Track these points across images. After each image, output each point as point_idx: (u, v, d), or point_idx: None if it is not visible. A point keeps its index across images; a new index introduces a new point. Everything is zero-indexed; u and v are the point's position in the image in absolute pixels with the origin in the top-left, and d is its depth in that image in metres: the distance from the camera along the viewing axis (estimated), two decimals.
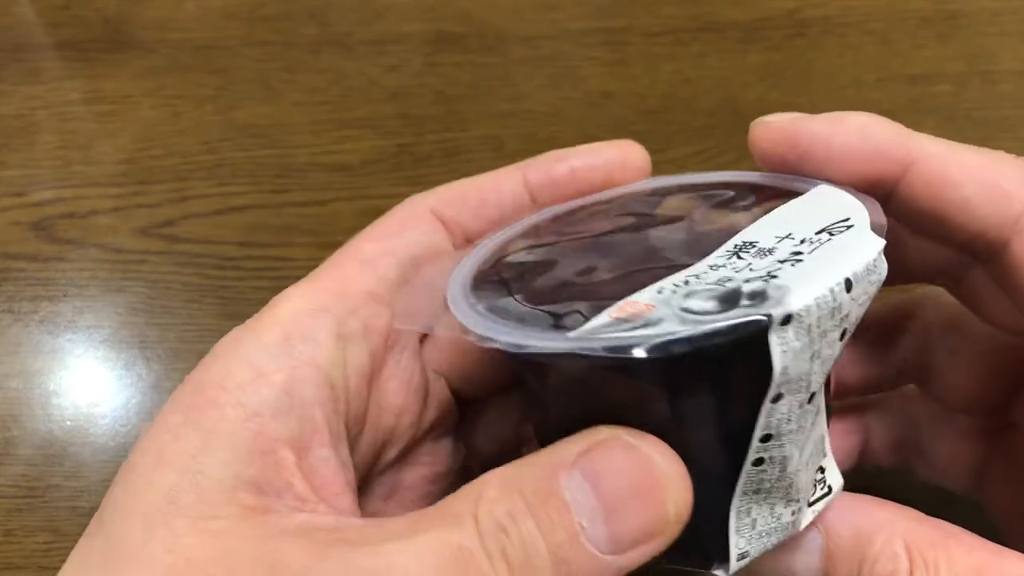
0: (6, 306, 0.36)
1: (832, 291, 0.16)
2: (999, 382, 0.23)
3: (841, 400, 0.26)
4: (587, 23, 0.45)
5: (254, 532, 0.17)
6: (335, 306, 0.20)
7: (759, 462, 0.17)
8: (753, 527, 0.19)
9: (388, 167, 0.40)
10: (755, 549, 0.19)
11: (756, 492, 0.18)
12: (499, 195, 0.24)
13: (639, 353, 0.16)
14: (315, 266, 0.38)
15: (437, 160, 0.40)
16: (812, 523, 0.19)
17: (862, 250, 0.17)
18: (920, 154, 0.20)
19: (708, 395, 0.17)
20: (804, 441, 0.18)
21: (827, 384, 0.19)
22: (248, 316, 0.30)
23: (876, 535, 0.18)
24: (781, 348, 0.16)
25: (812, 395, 0.17)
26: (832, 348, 0.17)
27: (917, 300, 0.25)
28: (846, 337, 0.17)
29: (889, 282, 0.18)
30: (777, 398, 0.17)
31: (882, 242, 0.17)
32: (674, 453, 0.17)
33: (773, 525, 0.19)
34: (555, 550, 0.16)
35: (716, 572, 0.19)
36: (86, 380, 0.35)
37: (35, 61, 0.44)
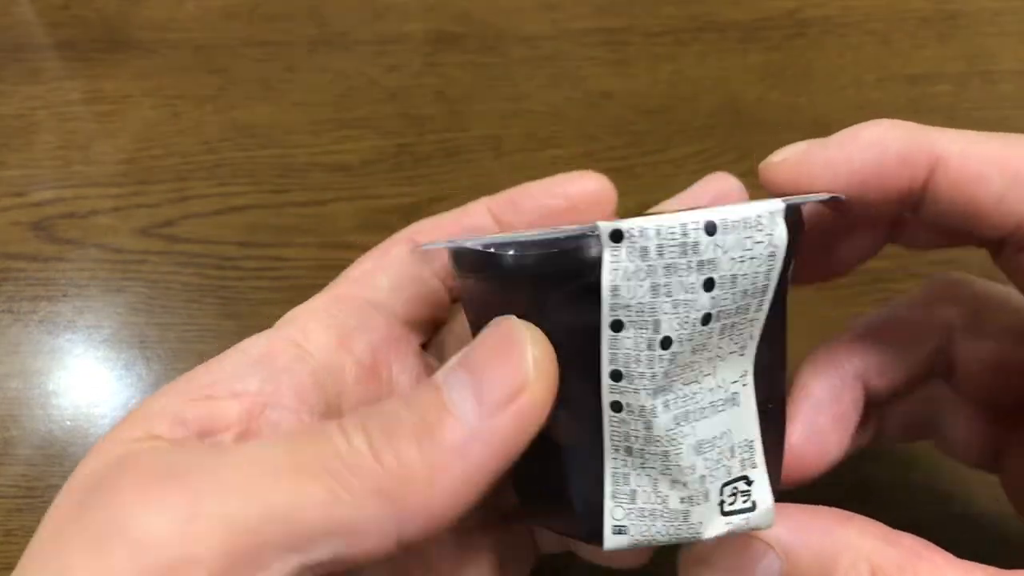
0: (6, 306, 0.36)
1: (683, 225, 0.16)
2: (1021, 379, 0.23)
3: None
4: (587, 23, 0.45)
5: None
6: (330, 308, 0.21)
7: (617, 407, 0.17)
8: (633, 500, 0.18)
9: (388, 167, 0.40)
10: (637, 530, 0.18)
11: (628, 453, 0.18)
12: (470, 224, 0.24)
13: (472, 244, 0.17)
14: (315, 266, 0.38)
15: (437, 160, 0.40)
16: (767, 545, 0.18)
17: (744, 207, 0.17)
18: (944, 154, 0.19)
19: (557, 312, 0.17)
20: (682, 406, 0.17)
21: (773, 396, 0.18)
22: (248, 316, 0.30)
23: (840, 558, 0.18)
24: (612, 266, 0.16)
25: (667, 340, 0.17)
26: (692, 293, 0.17)
27: (938, 294, 0.24)
28: (717, 289, 0.17)
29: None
30: (617, 326, 0.17)
31: (773, 207, 0.17)
32: (546, 340, 0.17)
33: (658, 507, 0.18)
34: (420, 421, 0.17)
35: (592, 544, 0.18)
36: (86, 380, 0.35)
37: (35, 61, 0.44)
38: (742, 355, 0.18)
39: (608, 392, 0.17)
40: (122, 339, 0.35)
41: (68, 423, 0.34)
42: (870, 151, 0.20)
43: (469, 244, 0.18)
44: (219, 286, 0.36)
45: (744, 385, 0.18)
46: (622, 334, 0.17)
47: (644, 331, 0.17)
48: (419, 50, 0.44)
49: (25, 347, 0.35)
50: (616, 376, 0.17)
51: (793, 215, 0.18)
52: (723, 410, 0.18)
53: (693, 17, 0.45)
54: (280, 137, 0.41)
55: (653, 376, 0.17)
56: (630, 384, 0.17)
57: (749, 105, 0.41)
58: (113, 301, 0.36)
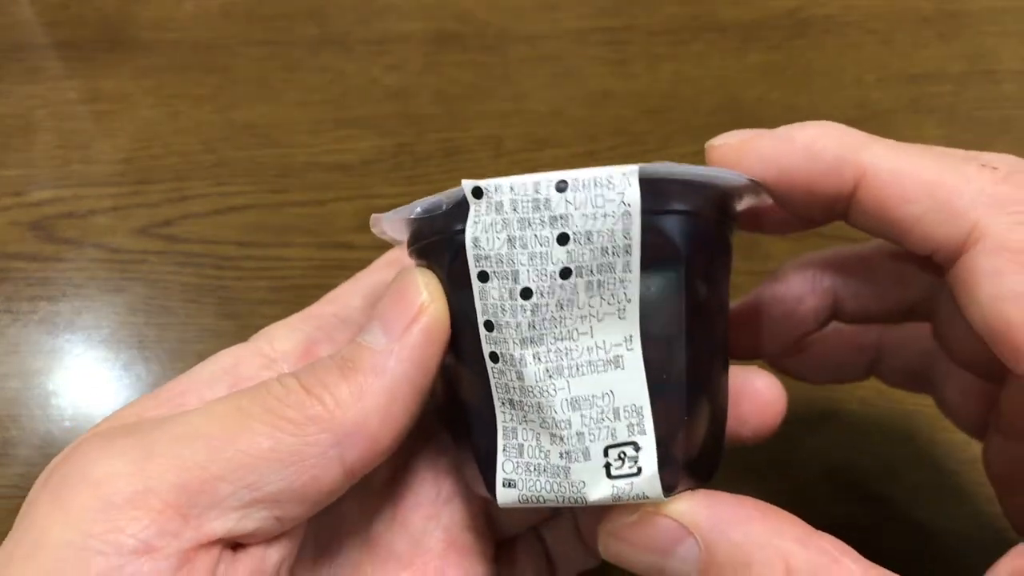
0: (5, 306, 0.36)
1: (536, 183, 0.18)
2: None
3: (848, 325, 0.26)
4: (588, 22, 0.45)
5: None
6: (298, 323, 0.23)
7: (495, 357, 0.19)
8: (520, 454, 0.19)
9: (388, 167, 0.40)
10: (524, 484, 0.19)
11: (512, 405, 0.19)
12: None
13: (394, 214, 0.20)
14: (314, 266, 0.38)
15: (437, 160, 0.40)
16: (688, 532, 0.19)
17: (599, 169, 0.18)
18: (870, 168, 0.19)
19: (451, 269, 0.19)
20: (554, 360, 0.18)
21: (672, 370, 0.19)
22: (247, 316, 0.30)
23: (756, 554, 0.18)
24: (474, 219, 0.18)
25: (527, 291, 0.18)
26: (545, 246, 0.18)
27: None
28: (572, 244, 0.18)
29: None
30: (483, 277, 0.18)
31: (628, 169, 0.18)
32: (432, 273, 0.20)
33: (541, 462, 0.19)
34: (341, 359, 0.19)
35: (491, 498, 0.20)
36: (85, 380, 0.35)
37: (34, 60, 0.44)
38: (622, 318, 0.18)
39: (485, 342, 0.19)
40: (121, 339, 0.35)
41: (67, 423, 0.33)
42: (801, 153, 0.20)
43: (391, 214, 0.20)
44: (218, 286, 0.36)
45: (630, 350, 0.19)
46: (488, 285, 0.18)
47: (505, 281, 0.18)
48: (419, 50, 0.44)
49: (24, 347, 0.35)
50: (489, 326, 0.19)
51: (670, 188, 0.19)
52: (604, 371, 0.19)
53: (693, 17, 0.45)
54: (279, 137, 0.41)
55: (518, 326, 0.18)
56: (500, 334, 0.19)
57: (749, 105, 0.41)
58: (112, 301, 0.36)
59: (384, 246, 0.24)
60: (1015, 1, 0.44)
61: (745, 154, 0.20)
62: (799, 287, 0.24)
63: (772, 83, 0.42)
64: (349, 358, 0.19)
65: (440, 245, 0.20)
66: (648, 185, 0.18)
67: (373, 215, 0.21)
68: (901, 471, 0.31)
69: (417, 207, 0.20)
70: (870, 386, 0.29)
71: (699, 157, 0.21)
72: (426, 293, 0.19)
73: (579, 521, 0.25)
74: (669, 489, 0.19)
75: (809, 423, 0.32)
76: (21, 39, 0.45)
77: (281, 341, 0.22)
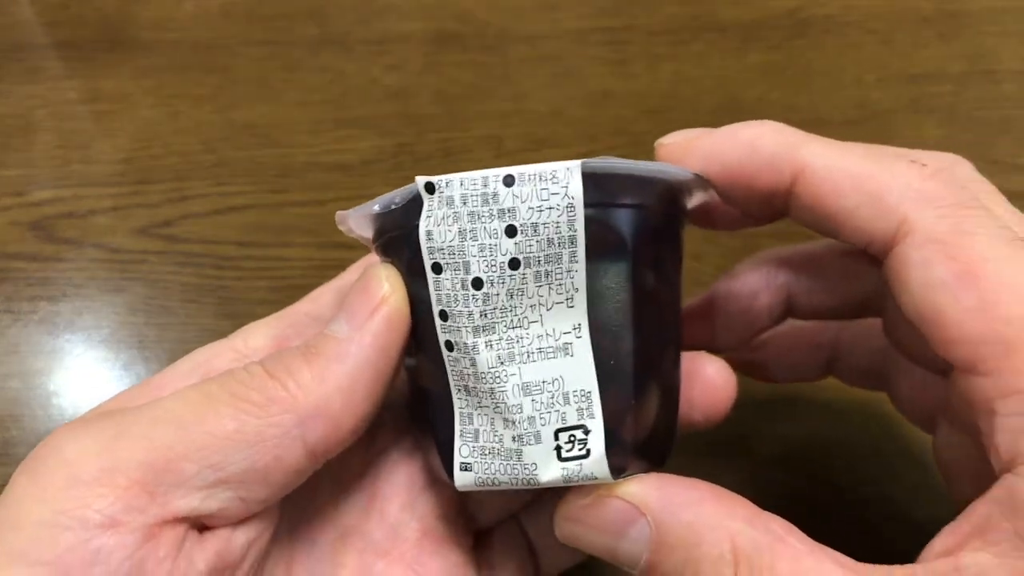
0: (5, 306, 0.36)
1: (485, 178, 0.19)
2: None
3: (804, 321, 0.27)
4: (588, 22, 0.45)
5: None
6: (272, 320, 0.24)
7: (449, 346, 0.20)
8: (476, 438, 0.20)
9: (388, 167, 0.40)
10: (480, 467, 0.20)
11: (467, 392, 0.20)
12: None
13: (357, 211, 0.21)
14: (314, 266, 0.38)
15: (437, 160, 0.40)
16: (639, 512, 0.19)
17: (545, 164, 0.19)
18: (806, 165, 0.20)
19: (409, 263, 0.20)
20: (506, 347, 0.19)
21: (618, 355, 0.19)
22: (247, 316, 0.30)
23: (705, 535, 0.19)
24: (427, 213, 0.19)
25: (478, 281, 0.19)
26: (495, 238, 0.19)
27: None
28: (520, 236, 0.19)
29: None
30: (437, 268, 0.19)
31: (571, 164, 0.18)
32: (393, 267, 0.21)
33: (495, 446, 0.20)
34: (305, 346, 0.20)
35: (449, 481, 0.21)
36: (85, 380, 0.35)
37: (34, 60, 0.44)
38: (571, 307, 0.19)
39: (440, 331, 0.20)
40: (121, 339, 0.35)
41: None
42: (742, 150, 0.21)
43: (354, 211, 0.21)
44: (218, 286, 0.36)
45: (579, 338, 0.19)
46: (442, 276, 0.19)
47: (458, 272, 0.19)
48: (419, 50, 0.44)
49: (24, 347, 0.35)
50: (443, 316, 0.19)
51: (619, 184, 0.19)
52: (553, 357, 0.19)
53: (693, 17, 0.45)
54: (280, 137, 0.41)
55: (470, 315, 0.19)
56: (454, 323, 0.19)
57: (749, 105, 0.41)
58: (112, 301, 0.36)
59: None
60: (1015, 1, 0.44)
61: (690, 151, 0.22)
62: (754, 283, 0.25)
63: (772, 83, 0.42)
64: (313, 345, 0.20)
65: (400, 240, 0.20)
66: (593, 179, 0.19)
67: (338, 212, 0.22)
68: (902, 471, 0.31)
69: (375, 204, 0.20)
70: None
71: None
72: (387, 285, 0.20)
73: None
74: (618, 471, 0.19)
75: (806, 420, 0.32)
76: (21, 39, 0.45)
77: (254, 337, 0.23)
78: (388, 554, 0.23)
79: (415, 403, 0.22)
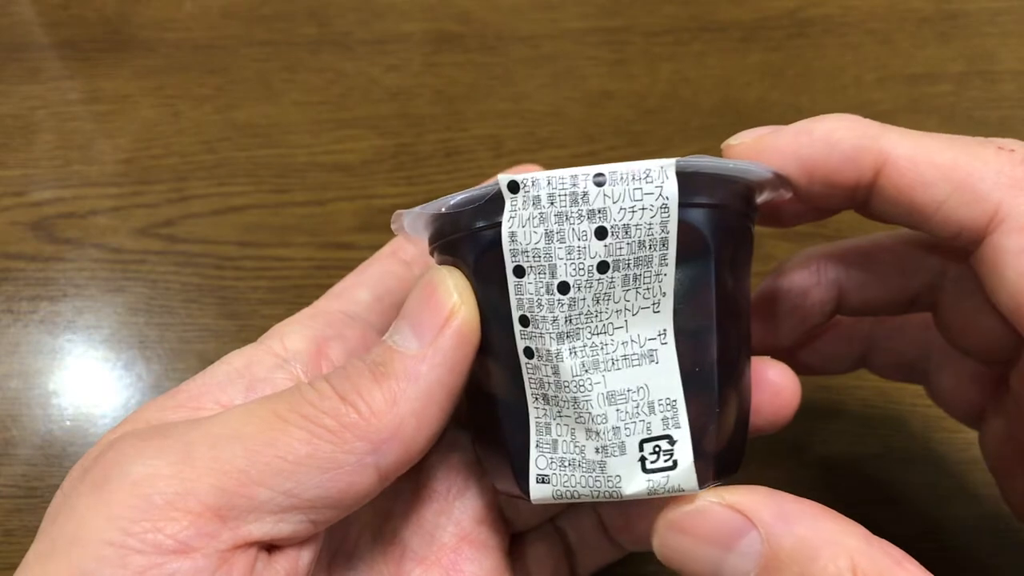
0: (5, 306, 0.36)
1: (574, 177, 0.18)
2: (1006, 333, 0.23)
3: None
4: (587, 23, 0.45)
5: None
6: (307, 320, 0.23)
7: (529, 353, 0.19)
8: (554, 449, 0.19)
9: (388, 167, 0.40)
10: (559, 479, 0.19)
11: (546, 401, 0.19)
12: None
13: (422, 209, 0.20)
14: (314, 266, 0.38)
15: (437, 160, 0.40)
16: (751, 524, 0.18)
17: (637, 163, 0.18)
18: (890, 156, 0.20)
19: (480, 264, 0.19)
20: (590, 354, 0.18)
21: (703, 361, 0.19)
22: (247, 316, 0.30)
23: (822, 550, 0.17)
24: (510, 213, 0.18)
25: (564, 285, 0.18)
26: (584, 240, 0.18)
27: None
28: (610, 237, 0.18)
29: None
30: (519, 272, 0.18)
31: (665, 162, 0.18)
32: (460, 273, 0.20)
33: (576, 456, 0.19)
34: (373, 364, 0.19)
35: (523, 495, 0.20)
36: (86, 380, 0.35)
37: (34, 60, 0.44)
38: (657, 312, 0.19)
39: (520, 338, 0.19)
40: (121, 339, 0.35)
41: (68, 423, 0.34)
42: (819, 144, 0.20)
43: (419, 209, 0.20)
44: (218, 286, 0.36)
45: (664, 344, 0.19)
46: (524, 279, 0.18)
47: (543, 276, 0.18)
48: (419, 50, 0.44)
49: (25, 347, 0.35)
50: (524, 321, 0.19)
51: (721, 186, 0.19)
52: (638, 365, 0.19)
53: (693, 17, 0.45)
54: (280, 137, 0.41)
55: (555, 320, 0.18)
56: (536, 329, 0.18)
57: (749, 105, 0.41)
58: (112, 301, 0.36)
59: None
60: (1015, 1, 0.44)
61: (763, 150, 0.21)
62: (803, 280, 0.25)
63: (772, 83, 0.42)
64: (381, 363, 0.19)
65: (466, 241, 0.19)
66: (681, 178, 0.18)
67: (396, 211, 0.21)
68: (907, 471, 0.31)
69: (448, 202, 0.19)
70: (871, 386, 0.29)
71: None
72: (456, 295, 0.19)
73: (603, 515, 0.25)
74: (703, 482, 0.19)
75: (812, 420, 0.32)
76: (21, 39, 0.45)
77: (292, 340, 0.22)
78: (425, 560, 0.23)
79: (477, 413, 0.22)
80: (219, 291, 0.36)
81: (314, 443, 0.18)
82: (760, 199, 0.21)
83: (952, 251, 0.21)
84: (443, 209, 0.19)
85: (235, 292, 0.36)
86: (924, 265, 0.24)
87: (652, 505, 0.23)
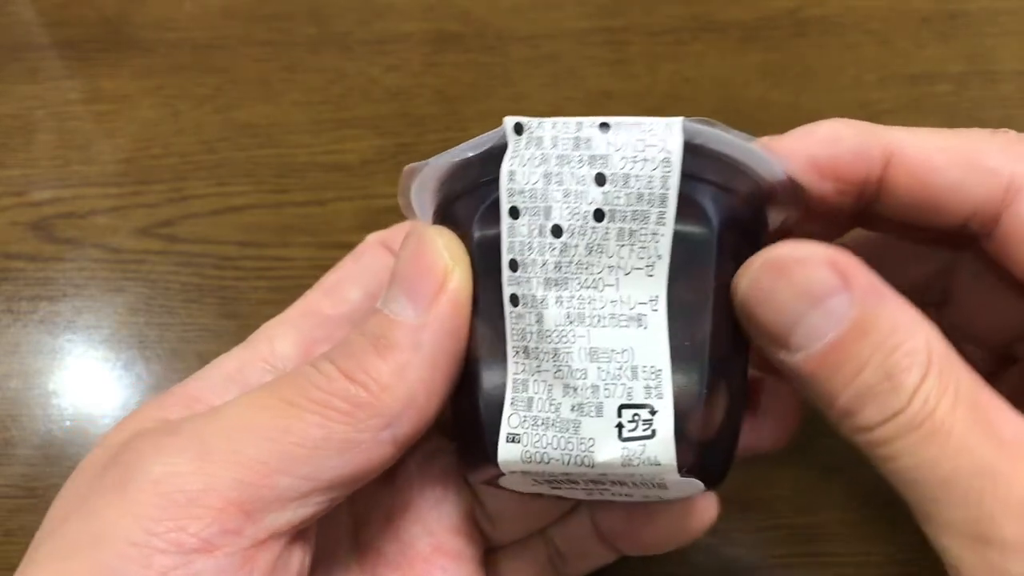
0: (5, 306, 0.36)
1: (579, 123, 0.18)
2: (1019, 315, 0.23)
3: None
4: (587, 22, 0.45)
5: None
6: (297, 322, 0.23)
7: (515, 300, 0.18)
8: (529, 407, 0.18)
9: (388, 167, 0.40)
10: (529, 439, 0.18)
11: (526, 354, 0.18)
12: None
13: (436, 160, 0.20)
14: (314, 266, 0.38)
15: None
16: (846, 284, 0.17)
17: (644, 117, 0.18)
18: (898, 147, 0.20)
19: (483, 219, 0.19)
20: (577, 306, 0.18)
21: (695, 339, 0.18)
22: (247, 316, 0.31)
23: (904, 325, 0.17)
24: (512, 153, 0.18)
25: (557, 228, 0.18)
26: (582, 185, 0.18)
27: None
28: (609, 185, 0.18)
29: None
30: (514, 212, 0.18)
31: (671, 120, 0.18)
32: (451, 232, 0.20)
33: (550, 415, 0.18)
34: (373, 337, 0.19)
35: (492, 470, 0.19)
36: (85, 380, 0.35)
37: (33, 60, 0.44)
38: (650, 276, 0.18)
39: (508, 284, 0.18)
40: (121, 339, 0.35)
41: (68, 423, 0.33)
42: (825, 144, 0.20)
43: (433, 160, 0.20)
44: (218, 286, 0.36)
45: (654, 311, 0.18)
46: (518, 221, 0.18)
47: (536, 217, 0.18)
48: (419, 50, 0.44)
49: (25, 347, 0.35)
50: (513, 266, 0.18)
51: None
52: (626, 327, 0.18)
53: (694, 17, 0.45)
54: (280, 137, 0.41)
55: (544, 265, 0.18)
56: (524, 273, 0.18)
57: (750, 105, 0.41)
58: (112, 301, 0.36)
59: None
60: (1015, 1, 0.44)
61: (771, 152, 0.20)
62: None
63: (772, 83, 0.42)
64: (382, 335, 0.19)
65: (472, 198, 0.19)
66: (690, 149, 0.18)
67: (408, 166, 0.20)
68: None
69: (463, 148, 0.19)
70: None
71: None
72: (447, 255, 0.19)
73: (600, 522, 0.25)
74: (682, 467, 0.18)
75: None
76: (21, 39, 0.45)
77: (281, 342, 0.23)
78: (399, 568, 0.23)
79: (460, 390, 0.21)
80: (219, 291, 0.36)
81: (328, 426, 0.18)
82: (771, 215, 0.21)
83: (959, 241, 0.21)
84: (469, 153, 0.19)
85: (235, 292, 0.36)
86: (932, 255, 0.24)
87: (655, 510, 0.23)
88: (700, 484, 0.19)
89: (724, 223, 0.19)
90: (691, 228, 0.18)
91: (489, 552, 0.25)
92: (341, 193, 0.39)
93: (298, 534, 0.20)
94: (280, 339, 0.23)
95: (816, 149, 0.20)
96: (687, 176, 0.18)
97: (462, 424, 0.21)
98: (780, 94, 0.41)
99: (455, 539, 0.23)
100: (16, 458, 0.33)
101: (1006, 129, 0.20)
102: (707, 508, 0.23)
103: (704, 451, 0.19)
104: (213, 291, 0.36)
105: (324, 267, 0.37)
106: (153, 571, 0.17)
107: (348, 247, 0.37)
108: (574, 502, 0.25)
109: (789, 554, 0.30)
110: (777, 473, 0.31)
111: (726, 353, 0.19)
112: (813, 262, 0.18)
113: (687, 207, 0.18)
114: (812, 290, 0.18)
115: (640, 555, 0.25)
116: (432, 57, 0.44)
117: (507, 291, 0.19)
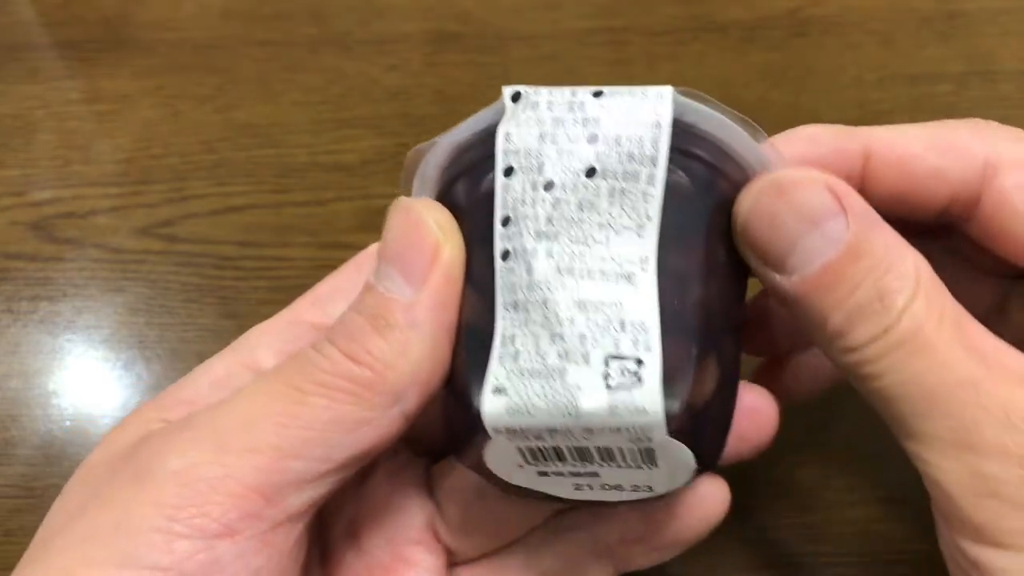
0: (5, 306, 0.36)
1: (575, 92, 0.19)
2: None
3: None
4: (587, 22, 0.45)
5: None
6: (282, 331, 0.23)
7: (505, 255, 0.19)
8: (516, 359, 0.18)
9: (388, 167, 0.40)
10: (515, 390, 0.18)
11: (515, 308, 0.19)
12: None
13: (447, 138, 0.21)
14: (314, 266, 0.38)
15: None
16: (843, 209, 0.18)
17: (635, 87, 0.19)
18: (876, 142, 0.21)
19: (479, 188, 0.20)
20: (567, 260, 0.18)
21: (683, 303, 0.18)
22: (247, 316, 0.30)
23: (896, 250, 0.18)
24: (510, 115, 0.19)
25: (550, 183, 0.19)
26: (575, 143, 0.19)
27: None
28: (601, 144, 0.19)
29: None
30: (509, 171, 0.19)
31: (663, 88, 0.19)
32: (439, 205, 0.20)
33: (536, 365, 0.18)
34: (371, 317, 0.19)
35: (478, 432, 0.18)
36: (85, 380, 0.35)
37: (34, 60, 0.44)
38: (640, 236, 0.18)
39: (499, 240, 0.19)
40: (121, 339, 0.35)
41: (68, 423, 0.34)
42: (806, 143, 0.22)
43: (439, 138, 0.21)
44: (218, 286, 0.36)
45: (644, 271, 0.18)
46: (512, 179, 0.19)
47: (530, 174, 0.19)
48: (419, 50, 0.44)
49: (25, 347, 0.35)
50: (505, 221, 0.19)
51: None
52: (615, 283, 0.18)
53: (694, 17, 0.45)
54: (280, 137, 0.41)
55: (536, 218, 0.19)
56: (516, 227, 0.19)
57: (750, 105, 0.41)
58: (112, 301, 0.36)
59: None
60: (1015, 1, 0.44)
61: (757, 135, 0.21)
62: None
63: (772, 83, 0.42)
64: (379, 314, 0.19)
65: (471, 175, 0.20)
66: (682, 126, 0.19)
67: (415, 148, 0.21)
68: (907, 471, 0.31)
69: (465, 126, 0.21)
70: None
71: None
72: (437, 229, 0.20)
73: (601, 533, 0.24)
74: (670, 421, 0.17)
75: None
76: (21, 39, 0.45)
77: (264, 353, 0.23)
78: None
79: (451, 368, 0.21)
80: (219, 291, 0.36)
81: (335, 408, 0.19)
82: None
83: (941, 233, 0.22)
84: (470, 133, 0.20)
85: (235, 292, 0.36)
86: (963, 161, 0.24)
87: (679, 506, 0.23)
88: (691, 459, 0.19)
89: (715, 202, 0.19)
90: (682, 198, 0.19)
91: (464, 565, 0.25)
92: (341, 193, 0.39)
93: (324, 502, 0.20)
94: (263, 348, 0.23)
95: (797, 148, 0.21)
96: (678, 150, 0.19)
97: (451, 390, 0.20)
98: (780, 94, 0.41)
99: (415, 549, 0.24)
100: (16, 458, 0.33)
101: (975, 118, 0.21)
102: (719, 491, 0.23)
103: (694, 418, 0.18)
104: (213, 291, 0.36)
105: (324, 267, 0.37)
106: (175, 556, 0.18)
107: (348, 247, 0.37)
108: (541, 517, 0.24)
109: (789, 554, 0.30)
110: (777, 473, 0.31)
111: (717, 327, 0.19)
112: (812, 184, 0.19)
113: (683, 175, 0.19)
114: (810, 212, 0.19)
115: (651, 564, 0.24)
116: (432, 57, 0.44)
117: (499, 248, 0.19)
